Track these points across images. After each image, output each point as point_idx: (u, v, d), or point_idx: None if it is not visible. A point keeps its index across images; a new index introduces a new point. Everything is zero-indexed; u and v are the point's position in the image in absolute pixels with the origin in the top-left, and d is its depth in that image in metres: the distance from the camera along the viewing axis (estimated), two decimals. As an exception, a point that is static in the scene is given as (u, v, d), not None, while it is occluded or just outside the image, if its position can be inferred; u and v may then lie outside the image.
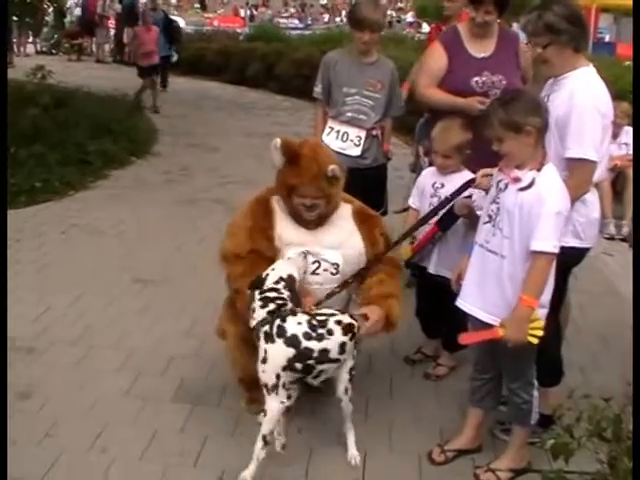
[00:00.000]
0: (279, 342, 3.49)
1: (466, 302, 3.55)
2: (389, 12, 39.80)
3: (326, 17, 48.84)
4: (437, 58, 4.87)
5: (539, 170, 3.28)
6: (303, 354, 3.50)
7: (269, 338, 3.51)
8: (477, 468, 3.72)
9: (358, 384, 4.25)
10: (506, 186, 3.37)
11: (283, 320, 3.53)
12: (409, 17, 41.88)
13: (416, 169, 6.19)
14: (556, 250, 3.25)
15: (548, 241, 3.22)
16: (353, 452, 3.78)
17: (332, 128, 5.34)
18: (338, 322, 3.61)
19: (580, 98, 3.51)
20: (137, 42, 15.07)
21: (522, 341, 3.30)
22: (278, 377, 3.49)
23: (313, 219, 3.95)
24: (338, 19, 44.57)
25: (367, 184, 5.23)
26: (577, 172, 3.48)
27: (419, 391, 4.45)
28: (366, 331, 3.77)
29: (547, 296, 3.39)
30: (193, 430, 3.95)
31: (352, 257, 3.99)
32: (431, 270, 4.41)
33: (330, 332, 3.56)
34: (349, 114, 5.27)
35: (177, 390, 4.33)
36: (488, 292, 3.44)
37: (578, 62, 3.63)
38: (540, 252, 3.23)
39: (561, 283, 3.55)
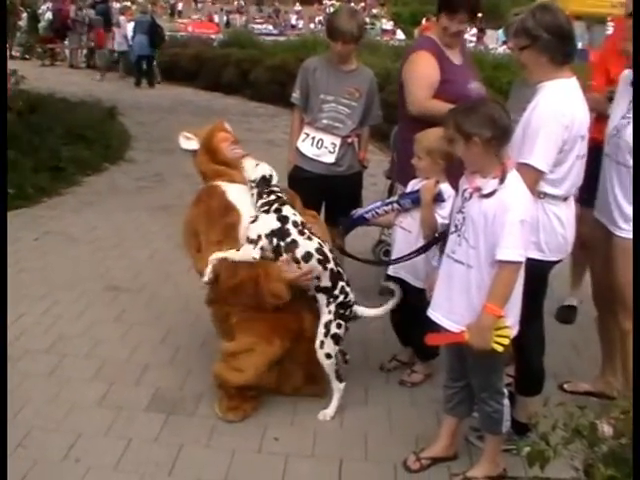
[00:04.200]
0: (272, 215, 4.12)
1: (436, 312, 3.55)
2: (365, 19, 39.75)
3: (301, 23, 48.79)
4: (431, 68, 4.78)
5: (502, 179, 3.25)
6: (284, 233, 4.07)
7: (267, 211, 4.14)
8: (453, 476, 3.73)
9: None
10: (471, 195, 3.36)
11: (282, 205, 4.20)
12: (384, 24, 41.90)
13: (392, 176, 6.21)
14: (522, 259, 3.25)
15: (513, 250, 3.21)
16: (326, 410, 4.21)
17: (307, 134, 5.33)
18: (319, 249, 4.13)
19: (542, 107, 3.51)
20: None
21: (485, 348, 3.30)
22: (259, 237, 4.06)
23: (244, 154, 4.43)
24: (312, 25, 44.56)
25: (341, 192, 5.23)
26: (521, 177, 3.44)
27: (394, 398, 4.45)
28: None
29: (513, 306, 3.39)
30: (168, 439, 3.92)
31: None
32: (389, 272, 4.46)
33: (309, 238, 4.13)
34: (325, 121, 5.26)
35: (151, 399, 4.30)
36: (455, 302, 3.44)
37: (556, 73, 3.59)
38: (505, 261, 3.23)
39: (531, 295, 3.54)
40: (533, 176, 3.48)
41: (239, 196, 4.26)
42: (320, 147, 5.28)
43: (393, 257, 4.49)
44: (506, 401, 3.58)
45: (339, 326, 4.14)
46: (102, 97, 14.17)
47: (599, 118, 4.32)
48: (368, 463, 3.83)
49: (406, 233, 4.35)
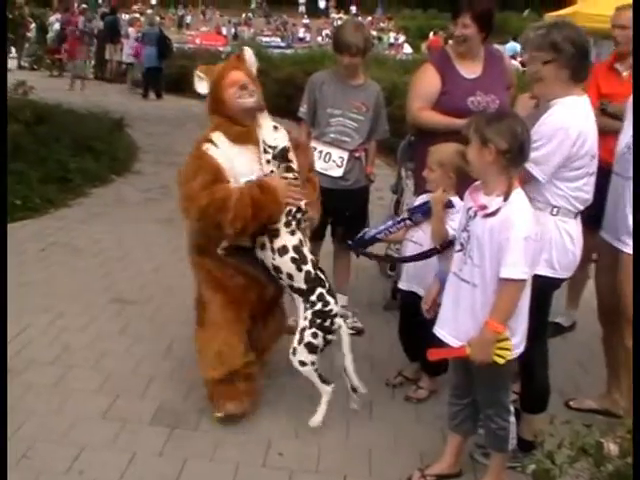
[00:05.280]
0: None
1: (442, 330, 3.54)
2: (372, 32, 39.72)
3: (308, 36, 48.85)
4: (430, 80, 4.90)
5: (506, 197, 3.25)
6: None
7: None
8: (457, 493, 3.72)
9: (338, 408, 4.24)
10: (475, 214, 3.36)
11: None
12: (391, 38, 41.90)
13: (398, 190, 6.21)
14: (526, 276, 3.23)
15: (517, 267, 3.19)
16: (315, 417, 4.15)
17: (315, 148, 5.32)
18: None
19: (554, 119, 3.54)
20: None
21: (487, 362, 3.30)
22: None
23: (253, 105, 4.13)
24: (320, 38, 44.61)
25: (348, 206, 5.24)
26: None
27: (400, 414, 4.44)
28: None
29: (520, 324, 3.39)
30: (172, 453, 3.91)
31: None
32: (403, 286, 4.47)
33: (292, 232, 4.10)
34: (332, 135, 5.26)
35: (156, 412, 4.28)
36: (461, 320, 3.43)
37: (571, 90, 3.62)
38: (508, 279, 3.21)
39: (538, 311, 3.54)
40: (524, 179, 3.50)
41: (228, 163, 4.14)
42: (328, 161, 5.29)
43: (404, 272, 4.49)
44: (512, 418, 3.57)
45: (314, 335, 4.04)
46: (109, 108, 14.21)
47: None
48: (372, 479, 3.82)
49: (417, 247, 4.34)
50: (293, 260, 4.06)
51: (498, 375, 3.44)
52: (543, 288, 3.51)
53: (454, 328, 3.46)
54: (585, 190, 3.66)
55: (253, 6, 65.59)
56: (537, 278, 3.40)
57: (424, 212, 4.28)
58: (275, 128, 4.14)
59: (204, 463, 3.85)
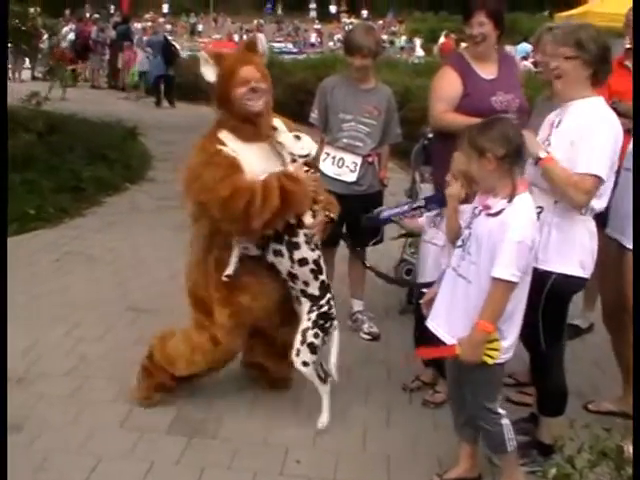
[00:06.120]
0: None
1: (434, 322, 3.58)
2: (384, 37, 39.68)
3: (318, 41, 48.84)
4: (452, 82, 4.84)
5: (510, 199, 3.29)
6: (292, 231, 4.15)
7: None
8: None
9: (355, 415, 4.22)
10: (480, 212, 3.42)
11: None
12: (402, 42, 41.81)
13: (412, 195, 6.18)
14: (515, 279, 3.26)
15: (507, 269, 3.23)
16: (321, 419, 4.23)
17: (328, 154, 5.32)
18: None
19: (595, 119, 3.60)
20: None
21: (476, 362, 3.33)
22: None
23: (261, 108, 4.08)
24: (331, 43, 44.61)
25: (362, 211, 5.21)
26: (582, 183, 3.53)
27: (417, 419, 4.41)
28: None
29: (512, 330, 3.41)
30: (189, 462, 3.90)
31: None
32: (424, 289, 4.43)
33: (312, 249, 4.20)
34: (345, 140, 5.26)
35: (173, 421, 4.27)
36: (454, 315, 3.47)
37: (588, 91, 3.67)
38: (497, 279, 3.25)
39: (562, 314, 3.55)
40: (594, 182, 3.54)
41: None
42: (341, 166, 5.28)
43: (427, 275, 4.43)
44: (504, 420, 3.53)
45: (316, 336, 4.18)
46: (123, 117, 14.24)
47: None
48: (391, 486, 3.80)
49: (438, 249, 4.31)
50: (312, 271, 4.17)
51: (482, 379, 3.47)
52: (573, 288, 3.67)
53: (448, 322, 3.50)
54: (609, 187, 3.71)
55: (280, 13, 66.07)
56: (569, 279, 3.56)
57: (440, 201, 4.24)
58: (297, 137, 4.16)
59: (222, 472, 3.83)
